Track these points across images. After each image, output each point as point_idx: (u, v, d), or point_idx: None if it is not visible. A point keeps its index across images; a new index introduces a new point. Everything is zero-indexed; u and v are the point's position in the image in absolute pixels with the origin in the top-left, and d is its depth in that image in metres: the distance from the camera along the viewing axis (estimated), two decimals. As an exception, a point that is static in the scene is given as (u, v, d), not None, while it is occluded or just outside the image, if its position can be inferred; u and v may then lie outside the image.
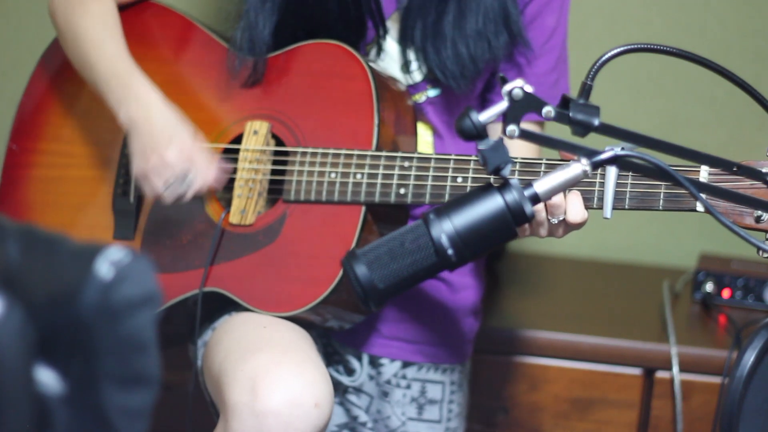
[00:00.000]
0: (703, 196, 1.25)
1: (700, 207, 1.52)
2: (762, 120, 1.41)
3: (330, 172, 1.72)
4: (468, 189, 1.64)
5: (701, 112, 2.51)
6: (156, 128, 1.70)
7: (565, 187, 1.22)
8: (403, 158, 1.69)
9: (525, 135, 1.19)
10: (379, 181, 1.69)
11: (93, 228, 1.86)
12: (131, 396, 0.80)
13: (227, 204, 1.78)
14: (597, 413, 2.12)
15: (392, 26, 1.82)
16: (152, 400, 0.81)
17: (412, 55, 1.80)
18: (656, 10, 2.50)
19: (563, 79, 1.86)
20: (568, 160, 1.58)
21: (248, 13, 1.78)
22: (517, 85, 1.18)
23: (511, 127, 1.18)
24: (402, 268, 1.21)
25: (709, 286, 2.29)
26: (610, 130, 1.20)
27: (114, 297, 0.77)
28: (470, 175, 1.65)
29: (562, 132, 1.23)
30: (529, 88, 1.18)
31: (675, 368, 2.07)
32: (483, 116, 1.17)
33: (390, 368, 1.89)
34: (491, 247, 1.22)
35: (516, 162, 1.60)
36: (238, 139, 1.79)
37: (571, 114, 1.20)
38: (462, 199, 1.21)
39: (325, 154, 1.72)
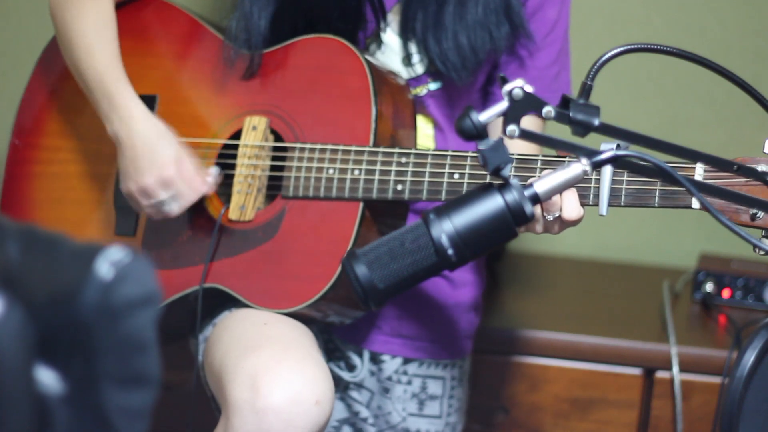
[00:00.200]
0: (701, 194, 1.25)
1: (695, 204, 1.52)
2: (762, 120, 1.41)
3: (328, 168, 1.72)
4: (465, 185, 1.65)
5: (701, 112, 2.51)
6: (137, 150, 1.71)
7: (565, 187, 1.22)
8: (401, 154, 1.69)
9: (525, 135, 1.19)
10: (377, 177, 1.69)
11: (95, 224, 1.86)
12: (131, 396, 0.80)
13: (227, 200, 1.79)
14: (597, 413, 2.12)
15: (393, 19, 1.82)
16: (152, 400, 0.81)
17: (413, 48, 1.80)
18: (656, 10, 2.50)
19: (564, 72, 1.86)
20: (565, 157, 1.59)
21: (243, 2, 1.78)
22: (517, 85, 1.18)
23: (511, 127, 1.18)
24: (402, 268, 1.21)
25: (709, 286, 2.29)
26: (610, 130, 1.20)
27: (114, 297, 0.77)
28: (467, 171, 1.65)
29: (562, 132, 1.23)
30: (529, 88, 1.18)
31: (675, 368, 2.07)
32: (483, 116, 1.17)
33: (391, 365, 1.89)
34: (491, 246, 1.22)
35: (512, 158, 1.60)
36: (237, 135, 1.79)
37: (571, 114, 1.20)
38: (462, 199, 1.21)
39: (323, 150, 1.73)
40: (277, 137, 1.79)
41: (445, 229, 1.20)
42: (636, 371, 2.11)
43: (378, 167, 1.70)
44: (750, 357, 1.21)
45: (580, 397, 2.12)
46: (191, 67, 1.85)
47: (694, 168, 1.51)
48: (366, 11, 1.80)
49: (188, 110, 1.82)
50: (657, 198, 1.55)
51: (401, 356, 1.90)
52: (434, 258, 1.21)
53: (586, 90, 1.23)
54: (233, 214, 1.77)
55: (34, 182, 1.92)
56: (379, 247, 1.21)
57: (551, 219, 1.53)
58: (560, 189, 1.22)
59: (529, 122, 1.25)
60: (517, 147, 1.71)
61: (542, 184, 1.21)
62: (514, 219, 1.20)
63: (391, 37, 1.82)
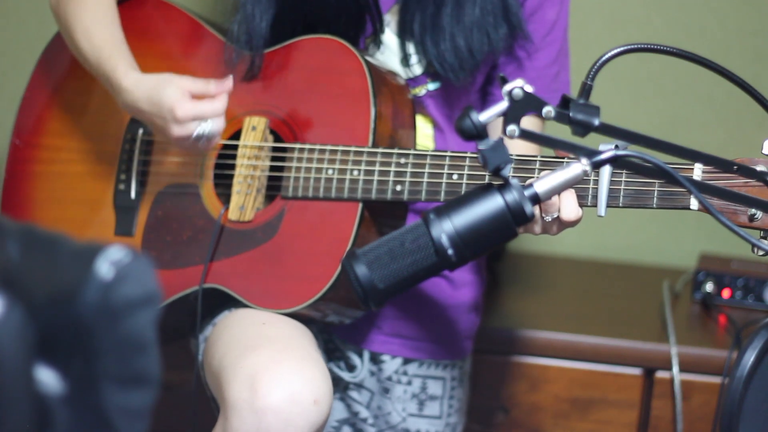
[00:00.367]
0: (701, 195, 1.25)
1: (693, 205, 1.52)
2: (761, 120, 1.41)
3: (327, 169, 1.72)
4: (463, 186, 1.65)
5: (701, 112, 2.51)
6: (146, 114, 1.70)
7: (565, 187, 1.22)
8: (400, 155, 1.69)
9: (525, 135, 1.19)
10: (376, 177, 1.69)
11: (94, 224, 1.87)
12: (131, 396, 0.80)
13: (226, 200, 1.79)
14: (597, 413, 2.12)
15: (392, 19, 1.82)
16: (152, 400, 0.81)
17: (411, 48, 1.80)
18: (656, 10, 2.50)
19: (564, 73, 1.86)
20: (563, 158, 1.59)
21: (245, 5, 1.78)
22: (517, 85, 1.18)
23: (511, 127, 1.18)
24: (402, 268, 1.21)
25: (709, 286, 2.29)
26: (610, 130, 1.20)
27: (114, 297, 0.77)
28: (465, 171, 1.65)
29: (562, 132, 1.23)
30: (529, 88, 1.18)
31: (675, 368, 2.07)
32: (483, 116, 1.17)
33: (391, 365, 1.89)
34: (491, 247, 1.22)
35: (512, 158, 1.60)
36: (236, 135, 1.79)
37: (571, 114, 1.20)
38: (462, 199, 1.21)
39: (322, 151, 1.73)
40: (277, 137, 1.79)
41: (445, 229, 1.20)
42: (636, 371, 2.11)
43: (377, 168, 1.70)
44: (750, 357, 1.21)
45: (580, 397, 2.12)
46: (190, 66, 1.85)
47: (693, 168, 1.51)
48: (365, 14, 1.80)
49: None
50: (655, 199, 1.55)
51: (401, 356, 1.90)
52: (434, 258, 1.21)
53: (586, 90, 1.23)
54: (233, 214, 1.77)
55: (34, 182, 1.92)
56: (379, 247, 1.21)
57: (550, 220, 1.53)
58: (560, 189, 1.22)
59: (528, 122, 1.25)
60: (517, 147, 1.71)
61: (542, 184, 1.21)
62: (514, 219, 1.20)
63: (389, 37, 1.82)
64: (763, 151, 1.33)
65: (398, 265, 1.20)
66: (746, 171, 1.32)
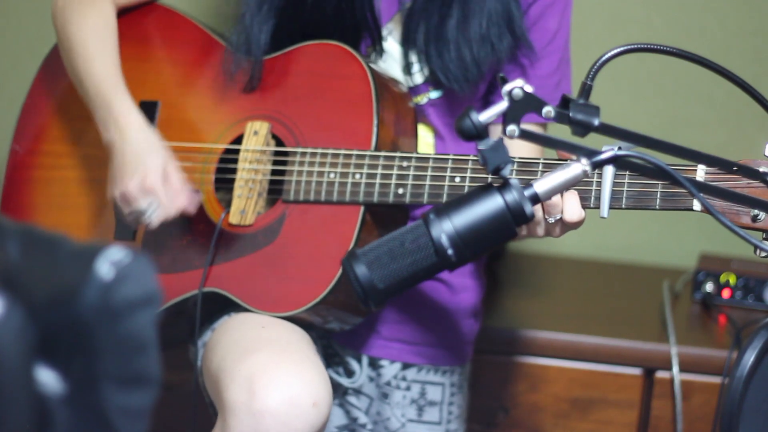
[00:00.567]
0: (702, 195, 1.25)
1: (696, 206, 1.52)
2: (762, 120, 1.41)
3: (329, 172, 1.72)
4: (466, 189, 1.65)
5: (701, 112, 2.51)
6: (126, 156, 1.72)
7: (565, 187, 1.22)
8: (402, 158, 1.69)
9: (525, 135, 1.19)
10: (378, 181, 1.69)
11: (94, 229, 1.86)
12: (131, 396, 0.80)
13: (227, 204, 1.79)
14: (597, 413, 2.12)
15: (394, 27, 1.82)
16: (152, 400, 0.81)
17: (414, 58, 1.80)
18: (656, 10, 2.50)
19: (565, 81, 1.86)
20: (566, 160, 1.59)
21: (244, 17, 1.79)
22: (517, 85, 1.18)
23: (511, 127, 1.18)
24: (402, 268, 1.21)
25: (709, 286, 2.29)
26: (610, 130, 1.20)
27: (114, 297, 0.77)
28: (468, 174, 1.65)
29: (562, 132, 1.23)
30: (529, 88, 1.18)
31: (675, 368, 2.07)
32: (483, 116, 1.17)
33: (390, 370, 1.89)
34: (491, 247, 1.22)
35: (514, 162, 1.60)
36: (239, 140, 1.79)
37: (571, 114, 1.20)
38: (462, 199, 1.21)
39: (324, 154, 1.73)
40: (279, 142, 1.79)
41: (445, 229, 1.20)
42: (636, 371, 2.11)
43: (379, 171, 1.69)
44: (750, 357, 1.21)
45: (580, 397, 2.12)
46: (193, 73, 1.86)
47: (696, 169, 1.51)
48: (362, 26, 1.79)
49: (190, 116, 1.82)
50: (658, 200, 1.55)
51: (400, 361, 1.89)
52: (434, 258, 1.21)
53: (586, 90, 1.23)
54: (233, 218, 1.77)
55: (34, 188, 1.92)
56: (379, 247, 1.21)
57: (552, 221, 1.53)
58: (560, 189, 1.22)
59: (527, 127, 1.25)
60: (518, 148, 1.71)
61: (542, 183, 1.21)
62: (514, 219, 1.20)
63: (392, 45, 1.82)
64: (766, 153, 1.33)
65: (398, 265, 1.20)
66: (747, 171, 1.32)
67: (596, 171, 1.22)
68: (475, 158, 1.65)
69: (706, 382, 2.09)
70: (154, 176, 1.70)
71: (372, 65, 1.77)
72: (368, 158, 1.70)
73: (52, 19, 1.84)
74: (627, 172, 1.54)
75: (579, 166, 1.20)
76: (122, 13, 1.86)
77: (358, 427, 1.90)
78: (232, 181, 1.78)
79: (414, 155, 1.69)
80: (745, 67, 2.42)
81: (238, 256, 1.75)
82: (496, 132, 1.26)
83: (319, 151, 1.73)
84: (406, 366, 1.89)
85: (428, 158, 1.68)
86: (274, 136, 1.79)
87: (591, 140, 1.23)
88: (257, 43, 1.78)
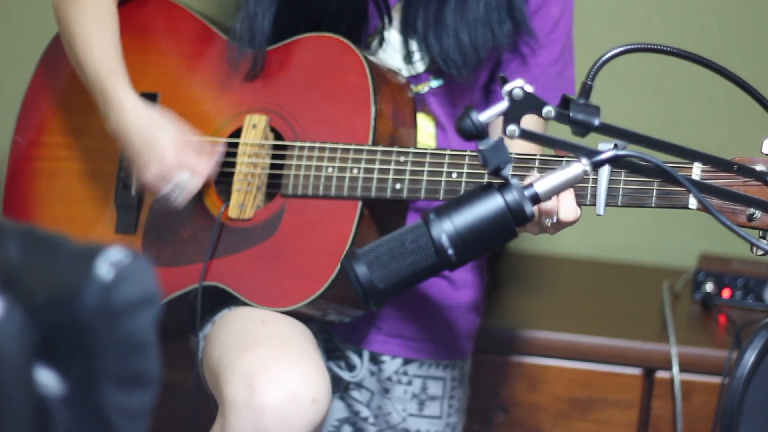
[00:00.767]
0: (702, 195, 1.25)
1: (692, 204, 1.52)
2: (762, 120, 1.41)
3: (327, 167, 1.72)
4: (463, 184, 1.65)
5: (701, 112, 2.51)
6: (135, 145, 1.72)
7: (565, 187, 1.22)
8: (399, 153, 1.69)
9: (525, 135, 1.19)
10: (375, 176, 1.69)
11: (96, 222, 1.87)
12: (131, 396, 0.80)
13: (227, 198, 1.79)
14: (597, 413, 2.12)
15: (395, 16, 1.82)
16: (152, 400, 0.81)
17: (414, 45, 1.80)
18: (656, 10, 2.50)
19: (568, 70, 1.86)
20: (563, 157, 1.59)
21: (247, 3, 1.79)
22: (517, 85, 1.18)
23: (511, 127, 1.18)
24: (402, 268, 1.21)
25: (709, 286, 2.29)
26: (610, 130, 1.20)
27: (114, 297, 0.77)
28: (465, 170, 1.65)
29: (562, 132, 1.23)
30: (529, 88, 1.18)
31: (675, 368, 2.07)
32: (483, 116, 1.17)
33: (391, 365, 1.89)
34: (491, 247, 1.22)
35: (513, 158, 1.60)
36: (237, 133, 1.79)
37: (571, 114, 1.20)
38: (462, 199, 1.21)
39: (322, 149, 1.73)
40: (277, 135, 1.79)
41: (445, 229, 1.20)
42: (636, 371, 2.11)
43: (377, 166, 1.70)
44: (750, 357, 1.21)
45: (580, 397, 2.12)
46: (192, 65, 1.86)
47: (692, 168, 1.51)
48: (368, 10, 1.80)
49: (189, 108, 1.82)
50: (654, 198, 1.55)
51: (401, 357, 1.90)
52: (434, 258, 1.21)
53: (586, 90, 1.23)
54: (233, 212, 1.77)
55: (36, 179, 1.92)
56: (379, 247, 1.21)
57: (549, 224, 1.53)
58: (560, 189, 1.22)
59: (530, 122, 1.25)
60: (517, 147, 1.71)
61: (542, 183, 1.21)
62: (514, 219, 1.20)
63: (392, 34, 1.82)
64: (763, 150, 1.33)
65: (398, 265, 1.21)
66: (746, 171, 1.32)
67: (595, 171, 1.22)
68: (472, 153, 1.65)
69: (706, 382, 2.09)
70: (168, 160, 1.69)
71: (371, 57, 1.77)
72: (366, 153, 1.70)
73: (53, 10, 1.84)
74: (623, 170, 1.54)
75: (579, 166, 1.20)
76: (120, 4, 1.85)
77: (359, 421, 1.90)
78: (231, 174, 1.78)
79: (411, 150, 1.69)
80: (745, 67, 2.42)
81: (238, 251, 1.76)
82: (496, 128, 1.26)
83: (317, 145, 1.73)
84: (407, 361, 1.90)
85: (425, 153, 1.68)
86: (273, 130, 1.79)
87: (591, 140, 1.23)
88: (261, 30, 1.78)
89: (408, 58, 1.81)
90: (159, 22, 1.89)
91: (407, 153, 1.69)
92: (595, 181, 1.55)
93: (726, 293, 2.29)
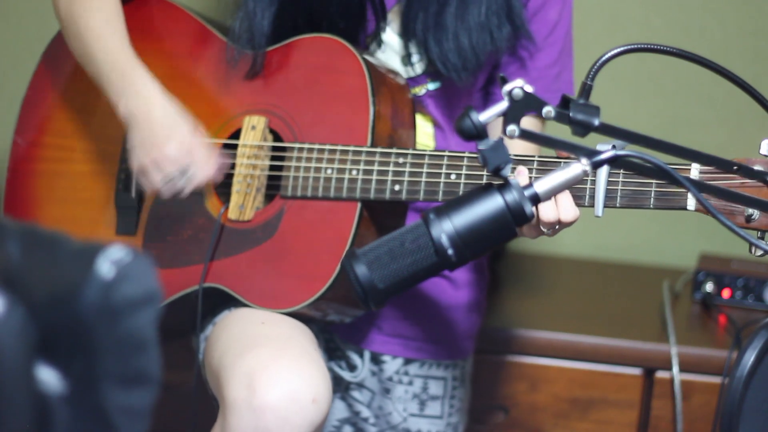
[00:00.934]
0: (702, 195, 1.25)
1: (690, 205, 1.53)
2: (762, 120, 1.41)
3: (326, 168, 1.72)
4: (461, 185, 1.65)
5: (701, 112, 2.51)
6: (156, 122, 1.70)
7: (565, 187, 1.22)
8: (398, 155, 1.69)
9: (525, 135, 1.19)
10: (374, 177, 1.70)
11: (96, 223, 1.87)
12: (132, 395, 0.80)
13: (226, 200, 1.79)
14: (597, 413, 2.12)
15: (394, 18, 1.82)
16: (153, 399, 0.81)
17: (413, 48, 1.80)
18: (655, 10, 2.50)
19: (566, 73, 1.86)
20: (562, 159, 1.59)
21: (247, 3, 1.79)
22: (517, 85, 1.18)
23: (511, 127, 1.18)
24: (402, 268, 1.21)
25: (709, 286, 2.29)
26: (610, 130, 1.20)
27: (115, 296, 0.77)
28: (464, 171, 1.65)
29: (562, 132, 1.23)
30: (529, 88, 1.18)
31: (675, 368, 2.07)
32: (483, 116, 1.17)
33: (392, 365, 1.89)
34: (491, 247, 1.22)
35: (512, 158, 1.60)
36: (236, 134, 1.80)
37: (571, 114, 1.20)
38: (462, 199, 1.21)
39: (321, 150, 1.73)
40: (276, 137, 1.79)
41: (445, 229, 1.20)
42: (636, 371, 2.11)
43: (375, 167, 1.70)
44: (750, 357, 1.21)
45: (580, 397, 2.12)
46: (191, 66, 1.86)
47: (690, 168, 1.51)
48: (367, 11, 1.80)
49: (188, 110, 1.82)
50: (652, 199, 1.55)
51: (402, 357, 1.90)
52: (434, 258, 1.21)
53: (586, 90, 1.23)
54: (232, 213, 1.77)
55: (36, 181, 1.92)
56: (379, 247, 1.21)
57: (549, 232, 1.54)
58: (560, 189, 1.22)
59: (527, 123, 1.25)
60: (517, 147, 1.71)
61: (542, 184, 1.21)
62: (514, 219, 1.20)
63: (391, 36, 1.82)
64: (761, 151, 1.33)
65: (398, 265, 1.21)
66: (747, 171, 1.32)
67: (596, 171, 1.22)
68: (470, 155, 1.65)
69: (706, 382, 2.09)
70: (186, 144, 1.70)
71: (369, 58, 1.77)
72: (364, 154, 1.70)
73: (54, 7, 1.84)
74: (621, 171, 1.54)
75: (579, 167, 1.20)
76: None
77: (360, 421, 1.90)
78: (231, 176, 1.78)
79: (410, 152, 1.69)
80: (745, 67, 2.43)
81: (238, 252, 1.76)
82: (496, 128, 1.26)
83: (316, 146, 1.73)
84: (408, 361, 1.90)
85: (424, 155, 1.68)
86: (272, 131, 1.79)
87: (590, 140, 1.23)
88: (260, 29, 1.78)
89: (406, 60, 1.81)
90: (157, 23, 1.89)
91: (406, 154, 1.69)
92: (593, 182, 1.55)
93: (726, 293, 2.29)
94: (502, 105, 1.18)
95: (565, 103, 1.21)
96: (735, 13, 2.48)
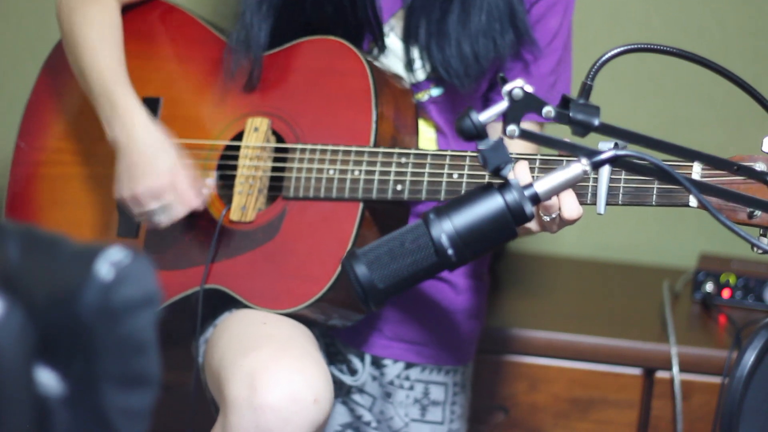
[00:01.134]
0: (703, 196, 1.25)
1: (692, 202, 1.52)
2: (762, 120, 1.41)
3: (328, 169, 1.72)
4: (464, 185, 1.65)
5: (701, 112, 2.51)
6: (133, 158, 1.72)
7: (565, 187, 1.22)
8: (400, 155, 1.69)
9: (525, 135, 1.19)
10: (377, 177, 1.70)
11: (98, 226, 1.87)
12: (131, 396, 0.80)
13: (228, 201, 1.79)
14: (597, 413, 2.12)
15: (396, 23, 1.82)
16: (152, 400, 0.81)
17: (416, 54, 1.80)
18: (655, 10, 2.50)
19: (561, 84, 1.85)
20: (563, 156, 1.59)
21: (244, 15, 1.79)
22: (517, 85, 1.18)
23: (511, 127, 1.18)
24: (402, 268, 1.21)
25: (709, 286, 2.29)
26: (610, 130, 1.20)
27: (114, 298, 0.77)
28: (466, 171, 1.65)
29: (562, 132, 1.23)
30: (529, 88, 1.18)
31: (675, 368, 2.07)
32: (483, 116, 1.17)
33: (393, 369, 1.89)
34: (491, 247, 1.22)
35: (513, 158, 1.60)
36: (239, 136, 1.80)
37: (571, 114, 1.20)
38: (462, 199, 1.21)
39: (323, 151, 1.73)
40: (279, 139, 1.79)
41: (445, 229, 1.20)
42: (636, 371, 2.11)
43: (378, 168, 1.70)
44: (750, 357, 1.21)
45: (580, 397, 2.12)
46: (195, 69, 1.86)
47: (691, 167, 1.51)
48: (364, 22, 1.80)
49: (191, 112, 1.83)
50: (654, 196, 1.55)
51: (403, 361, 1.89)
52: (434, 258, 1.21)
53: (586, 90, 1.23)
54: (234, 215, 1.77)
55: (38, 184, 1.92)
56: (379, 247, 1.21)
57: (549, 220, 1.53)
58: (560, 189, 1.22)
59: (526, 126, 1.25)
60: (517, 147, 1.71)
61: (542, 183, 1.21)
62: (514, 219, 1.20)
63: (394, 41, 1.82)
64: (763, 149, 1.33)
65: (398, 265, 1.21)
66: (747, 171, 1.32)
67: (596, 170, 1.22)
68: (472, 154, 1.65)
69: (706, 382, 2.09)
70: (163, 179, 1.70)
71: (373, 60, 1.77)
72: (367, 155, 1.70)
73: (57, 17, 1.85)
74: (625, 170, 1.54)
75: (579, 166, 1.20)
76: (125, 10, 1.86)
77: (362, 425, 1.90)
78: (233, 177, 1.78)
79: (412, 151, 1.69)
80: (745, 67, 2.43)
81: (239, 253, 1.76)
82: (495, 130, 1.26)
83: (319, 147, 1.73)
84: (409, 365, 1.90)
85: (426, 155, 1.68)
86: (275, 133, 1.79)
87: (590, 140, 1.23)
88: (257, 42, 1.79)
89: (409, 65, 1.81)
90: (162, 27, 1.90)
91: (408, 154, 1.69)
92: (595, 180, 1.55)
93: (726, 293, 2.29)
94: (502, 105, 1.18)
95: (565, 103, 1.21)
96: (735, 13, 2.48)
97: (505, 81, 1.19)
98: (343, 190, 1.71)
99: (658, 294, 2.32)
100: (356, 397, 1.90)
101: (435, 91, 1.83)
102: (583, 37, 2.36)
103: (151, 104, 1.82)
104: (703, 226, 2.49)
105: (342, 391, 1.89)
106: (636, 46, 1.26)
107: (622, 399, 2.11)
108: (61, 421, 0.77)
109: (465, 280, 1.90)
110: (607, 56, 1.23)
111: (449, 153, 1.67)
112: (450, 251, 1.20)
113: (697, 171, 1.51)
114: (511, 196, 1.20)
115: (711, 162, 1.29)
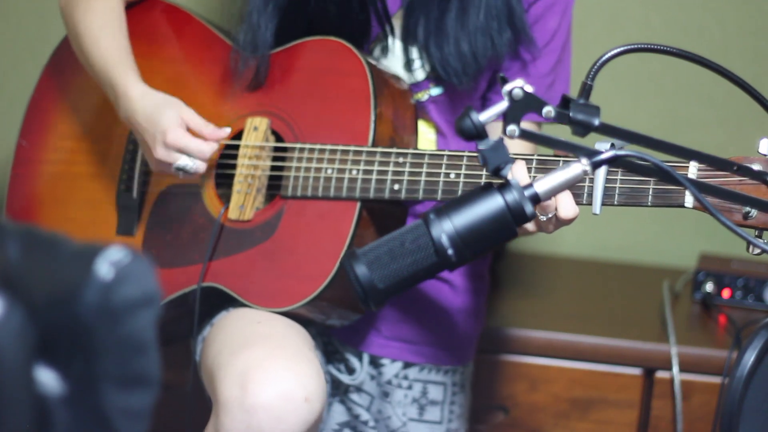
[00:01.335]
0: (702, 195, 1.25)
1: (688, 203, 1.53)
2: (762, 120, 1.41)
3: (326, 168, 1.73)
4: (461, 185, 1.65)
5: (701, 112, 2.51)
6: (141, 127, 1.73)
7: (565, 187, 1.22)
8: (398, 154, 1.69)
9: (525, 135, 1.19)
10: (374, 177, 1.70)
11: (97, 223, 1.88)
12: (131, 396, 0.80)
13: (227, 200, 1.79)
14: (597, 413, 2.12)
15: (395, 24, 1.82)
16: (152, 400, 0.81)
17: (414, 53, 1.81)
18: (655, 10, 2.50)
19: (559, 85, 1.85)
20: (561, 157, 1.59)
21: (251, 14, 1.79)
22: (517, 85, 1.18)
23: (511, 127, 1.18)
24: (402, 268, 1.21)
25: (709, 286, 2.29)
26: (610, 130, 1.20)
27: (114, 297, 0.77)
28: (463, 171, 1.66)
29: (561, 132, 1.23)
30: (529, 88, 1.18)
31: (675, 368, 2.07)
32: (483, 116, 1.17)
33: (391, 368, 1.89)
34: (491, 247, 1.22)
35: (512, 158, 1.60)
36: (239, 136, 1.80)
37: (571, 114, 1.20)
38: (462, 199, 1.21)
39: (322, 150, 1.73)
40: (278, 138, 1.79)
41: (445, 229, 1.20)
42: (636, 371, 2.11)
43: (375, 167, 1.70)
44: (750, 357, 1.21)
45: (580, 397, 2.12)
46: (196, 69, 1.86)
47: (687, 166, 1.51)
48: (371, 20, 1.80)
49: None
50: (650, 197, 1.55)
51: (401, 360, 1.89)
52: (434, 258, 1.21)
53: (586, 90, 1.23)
54: (232, 213, 1.77)
55: (39, 182, 1.93)
56: (379, 247, 1.21)
57: (545, 219, 1.53)
58: (560, 189, 1.22)
59: (525, 126, 1.25)
60: (516, 147, 1.71)
61: (542, 183, 1.21)
62: (514, 219, 1.20)
63: (394, 42, 1.82)
64: (760, 150, 1.33)
65: (398, 265, 1.21)
66: (746, 171, 1.32)
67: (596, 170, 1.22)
68: (469, 154, 1.65)
69: (706, 382, 2.09)
70: (172, 132, 1.70)
71: (373, 61, 1.77)
72: (365, 154, 1.71)
73: (60, 11, 1.85)
74: (619, 169, 1.54)
75: (579, 166, 1.20)
76: (126, 9, 1.86)
77: (360, 425, 1.90)
78: (232, 176, 1.78)
79: (410, 151, 1.69)
80: (745, 67, 2.42)
81: (237, 252, 1.76)
82: (495, 130, 1.26)
83: (317, 146, 1.74)
84: (407, 365, 1.90)
85: (424, 154, 1.68)
86: (274, 132, 1.79)
87: (590, 140, 1.23)
88: (264, 41, 1.79)
89: (408, 65, 1.81)
90: (162, 27, 1.90)
91: (406, 154, 1.69)
92: (591, 180, 1.55)
93: (726, 293, 2.29)
94: (502, 105, 1.18)
95: (565, 103, 1.21)
96: (735, 13, 2.47)
97: (505, 81, 1.19)
98: (340, 190, 1.72)
99: (658, 294, 2.32)
100: (354, 396, 1.90)
101: (434, 91, 1.83)
102: (583, 37, 2.35)
103: None
104: (703, 226, 2.49)
105: (340, 390, 1.89)
106: (636, 46, 1.26)
107: (622, 399, 2.11)
108: (61, 420, 0.77)
109: (465, 280, 1.90)
110: (607, 56, 1.23)
111: (446, 153, 1.67)
112: (450, 251, 1.20)
113: (693, 171, 1.51)
114: (512, 196, 1.20)
115: (710, 162, 1.29)
